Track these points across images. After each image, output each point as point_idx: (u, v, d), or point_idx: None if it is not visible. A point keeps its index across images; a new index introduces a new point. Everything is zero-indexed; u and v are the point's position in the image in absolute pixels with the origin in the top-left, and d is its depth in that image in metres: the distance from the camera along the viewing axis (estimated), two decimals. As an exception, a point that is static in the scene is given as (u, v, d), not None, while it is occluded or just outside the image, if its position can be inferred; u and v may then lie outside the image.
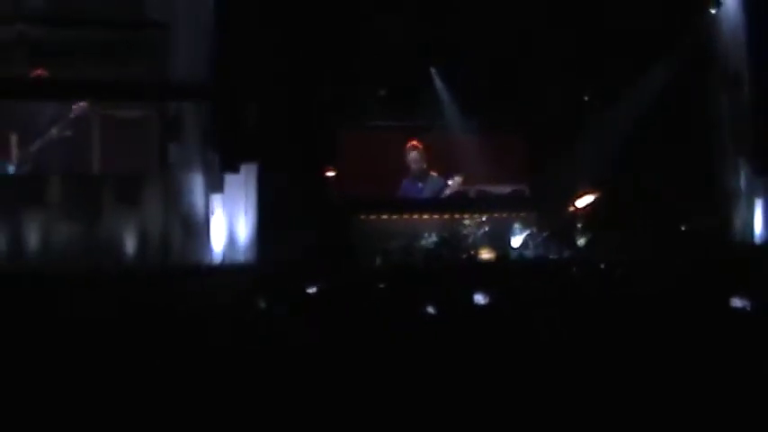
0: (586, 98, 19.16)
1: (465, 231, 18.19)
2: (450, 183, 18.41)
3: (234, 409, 4.69)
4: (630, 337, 5.42)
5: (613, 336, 5.52)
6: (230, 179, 16.12)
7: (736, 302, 6.03)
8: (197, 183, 15.94)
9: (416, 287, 10.00)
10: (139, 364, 5.36)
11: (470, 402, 4.49)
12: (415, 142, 18.51)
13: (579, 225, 18.31)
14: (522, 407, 4.43)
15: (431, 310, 6.82)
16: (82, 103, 16.13)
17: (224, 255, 15.91)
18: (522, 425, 4.29)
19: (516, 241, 18.04)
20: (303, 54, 16.58)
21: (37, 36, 15.85)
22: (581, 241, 18.09)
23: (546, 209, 18.75)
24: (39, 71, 16.05)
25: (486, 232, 18.09)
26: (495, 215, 18.52)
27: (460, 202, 18.92)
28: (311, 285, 10.46)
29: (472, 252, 17.66)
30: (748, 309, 5.96)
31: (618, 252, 16.33)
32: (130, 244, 15.69)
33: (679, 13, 17.95)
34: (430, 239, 17.75)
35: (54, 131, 15.80)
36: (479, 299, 7.60)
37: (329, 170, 17.87)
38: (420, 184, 18.73)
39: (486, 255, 17.56)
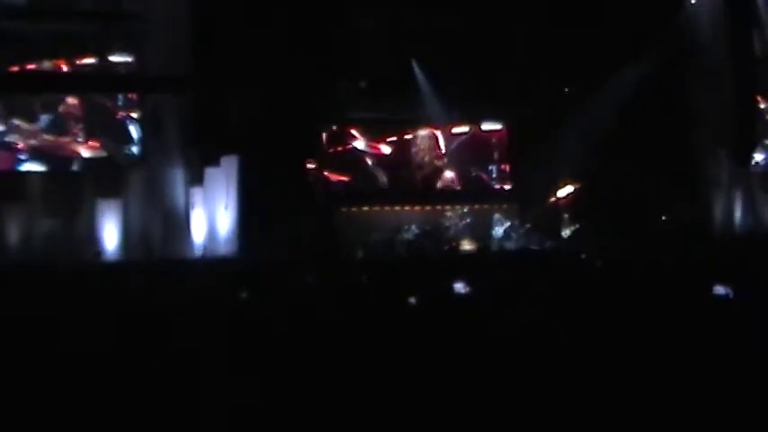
0: (567, 90, 19.17)
1: (447, 223, 18.25)
2: None
3: (219, 401, 4.71)
4: (613, 327, 5.46)
5: (595, 326, 5.55)
6: (211, 172, 16.12)
7: (719, 290, 6.08)
8: (177, 176, 15.93)
9: (398, 279, 10.02)
10: (124, 358, 5.36)
11: (453, 391, 4.52)
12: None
13: (565, 216, 18.40)
14: (502, 395, 4.46)
15: (412, 301, 6.85)
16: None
17: (205, 248, 15.91)
18: (503, 412, 4.32)
19: (498, 233, 18.11)
20: (284, 46, 16.55)
21: (18, 30, 15.79)
22: (565, 232, 18.17)
23: (527, 200, 18.82)
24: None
25: (467, 224, 18.16)
26: (477, 207, 18.58)
27: (442, 194, 19.02)
28: (294, 277, 10.48)
29: (454, 243, 17.72)
30: (730, 296, 6.02)
31: (599, 243, 16.40)
32: (111, 238, 15.69)
33: (660, 6, 18.01)
34: (412, 231, 17.81)
35: None
36: (460, 288, 7.62)
37: (310, 162, 17.83)
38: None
39: (467, 246, 17.62)
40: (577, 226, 18.10)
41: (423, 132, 19.24)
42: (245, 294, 8.29)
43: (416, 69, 18.55)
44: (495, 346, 5.41)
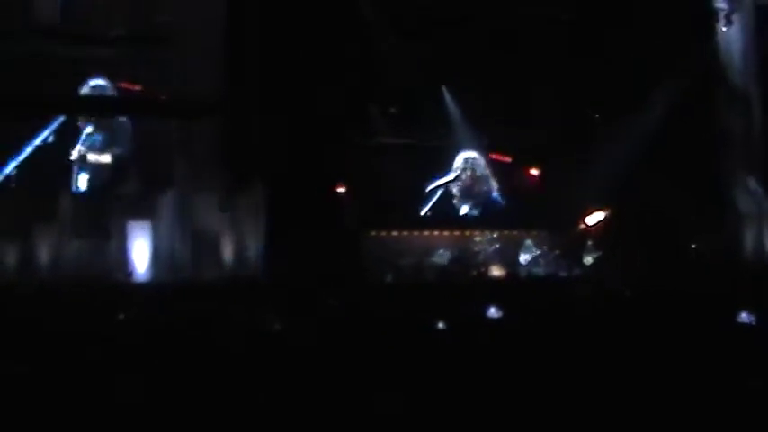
0: (597, 116, 19.14)
1: (476, 248, 18.24)
2: None
3: (244, 423, 4.73)
4: (639, 354, 5.46)
5: (623, 352, 5.55)
6: (240, 196, 16.20)
7: (743, 317, 6.08)
8: (207, 200, 16.03)
9: (428, 303, 10.04)
10: (152, 380, 5.41)
11: (482, 413, 4.54)
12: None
13: (590, 242, 18.34)
14: (531, 417, 4.47)
15: (441, 325, 6.87)
16: None
17: (234, 271, 15.96)
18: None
19: (527, 259, 18.09)
20: (314, 72, 16.64)
21: (49, 51, 16.02)
22: (587, 259, 18.11)
23: (556, 227, 18.77)
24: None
25: (496, 249, 18.14)
26: (506, 232, 18.56)
27: (472, 220, 19.03)
28: (323, 302, 10.51)
29: (483, 269, 17.69)
30: (754, 323, 6.02)
31: (627, 271, 16.34)
32: (141, 260, 15.80)
33: (689, 32, 17.98)
34: (441, 255, 17.82)
35: None
36: (492, 313, 7.65)
37: (340, 187, 17.87)
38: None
39: (496, 271, 17.59)
40: (600, 253, 18.02)
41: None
42: (271, 318, 8.33)
43: (447, 96, 18.60)
44: (521, 371, 5.43)
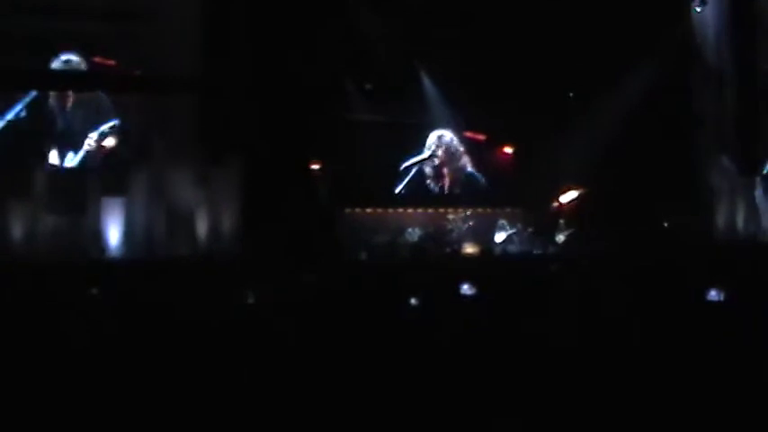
0: (571, 95, 19.19)
1: (450, 226, 18.28)
2: None
3: (219, 400, 4.74)
4: (610, 332, 5.51)
5: (594, 330, 5.60)
6: (215, 171, 16.15)
7: (712, 295, 6.15)
8: (182, 176, 15.97)
9: (401, 281, 10.07)
10: (127, 356, 5.41)
11: (455, 390, 4.57)
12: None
13: (561, 221, 18.41)
14: (503, 394, 4.51)
15: (414, 302, 6.91)
16: None
17: (209, 247, 15.94)
18: (507, 411, 4.37)
19: (500, 237, 18.14)
20: (290, 48, 16.58)
21: (26, 27, 15.88)
22: (560, 237, 18.18)
23: (531, 205, 18.84)
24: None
25: (470, 227, 18.19)
26: (480, 210, 18.61)
27: (445, 198, 19.06)
28: (297, 278, 10.51)
29: (456, 247, 17.74)
30: (722, 301, 6.10)
31: (600, 248, 16.43)
32: (116, 236, 15.74)
33: (663, 13, 18.03)
34: (415, 234, 17.85)
35: None
36: (465, 290, 7.68)
37: (314, 163, 17.83)
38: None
39: (470, 249, 17.64)
40: (571, 231, 18.10)
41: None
42: (245, 294, 8.33)
43: (422, 73, 18.58)
44: (496, 347, 5.46)
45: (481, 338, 5.67)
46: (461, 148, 19.41)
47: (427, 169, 19.18)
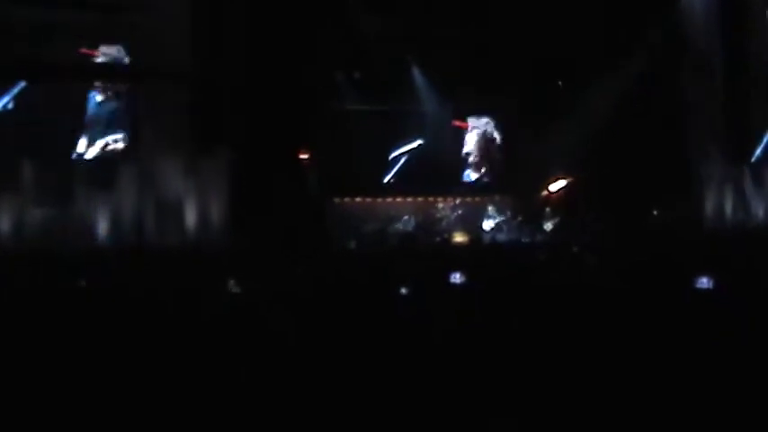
0: (560, 83, 19.19)
1: (439, 215, 18.30)
2: None
3: (209, 390, 4.73)
4: (600, 319, 5.52)
5: (585, 317, 5.61)
6: (205, 162, 16.12)
7: (701, 282, 6.16)
8: (172, 166, 15.93)
9: (390, 269, 10.06)
10: (116, 348, 5.39)
11: (445, 378, 4.57)
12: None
13: (548, 209, 18.45)
14: (493, 382, 4.51)
15: (404, 291, 6.90)
16: None
17: (198, 237, 15.92)
18: (497, 399, 4.36)
19: (490, 225, 18.16)
20: (280, 40, 16.53)
21: (17, 17, 15.76)
22: (548, 225, 18.21)
23: (519, 193, 18.86)
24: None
25: (459, 216, 18.20)
26: (469, 199, 18.63)
27: (435, 186, 19.05)
28: (287, 268, 10.49)
29: (446, 235, 17.75)
30: (711, 288, 6.12)
31: (589, 236, 16.46)
32: (104, 226, 15.70)
33: (652, 1, 18.04)
34: (404, 222, 17.85)
35: None
36: (455, 279, 7.68)
37: (303, 153, 17.80)
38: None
39: (459, 238, 17.66)
40: (558, 219, 18.14)
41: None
42: (235, 285, 8.30)
43: (412, 63, 18.55)
44: (484, 336, 5.46)
45: (471, 328, 5.66)
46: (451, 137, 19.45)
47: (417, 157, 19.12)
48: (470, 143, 19.50)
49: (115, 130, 16.83)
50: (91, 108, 16.81)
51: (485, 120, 19.46)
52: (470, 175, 19.55)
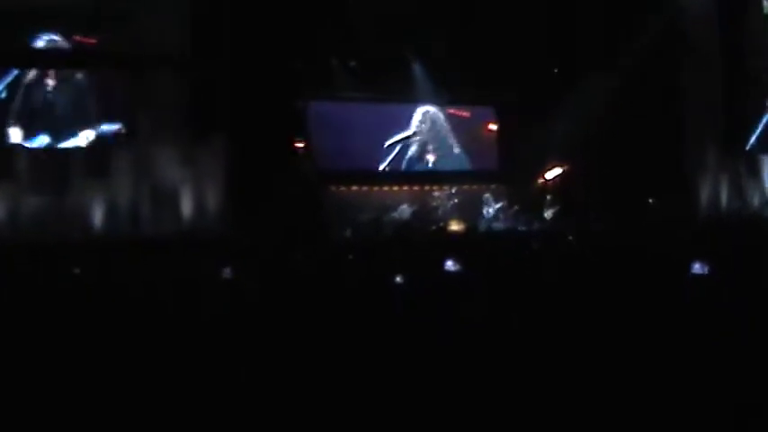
0: (556, 71, 19.16)
1: (435, 203, 18.29)
2: None
3: (205, 380, 4.74)
4: (596, 307, 5.53)
5: (581, 306, 5.62)
6: (201, 150, 16.11)
7: (696, 268, 6.19)
8: (168, 154, 15.93)
9: (386, 258, 10.07)
10: (113, 336, 5.40)
11: (441, 368, 4.58)
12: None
13: (548, 197, 18.45)
14: (491, 373, 4.51)
15: (399, 279, 6.91)
16: None
17: (194, 226, 15.92)
18: (491, 387, 4.38)
19: (486, 213, 18.16)
20: (274, 25, 16.48)
21: (10, 5, 15.69)
22: (547, 213, 18.23)
23: (516, 182, 18.85)
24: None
25: (455, 204, 18.20)
26: (465, 187, 18.62)
27: (430, 175, 19.05)
28: (283, 257, 10.51)
29: (441, 224, 17.76)
30: (705, 274, 6.14)
31: (585, 225, 16.47)
32: (99, 215, 15.69)
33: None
34: (400, 211, 17.84)
35: None
36: (450, 267, 7.68)
37: (298, 142, 17.78)
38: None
39: (455, 227, 17.66)
40: (558, 207, 18.15)
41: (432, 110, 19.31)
42: (231, 274, 8.30)
43: (408, 50, 18.51)
44: (480, 325, 5.46)
45: (467, 316, 5.67)
46: (447, 126, 19.39)
47: (413, 146, 19.14)
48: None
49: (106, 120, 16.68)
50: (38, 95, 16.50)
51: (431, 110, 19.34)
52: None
